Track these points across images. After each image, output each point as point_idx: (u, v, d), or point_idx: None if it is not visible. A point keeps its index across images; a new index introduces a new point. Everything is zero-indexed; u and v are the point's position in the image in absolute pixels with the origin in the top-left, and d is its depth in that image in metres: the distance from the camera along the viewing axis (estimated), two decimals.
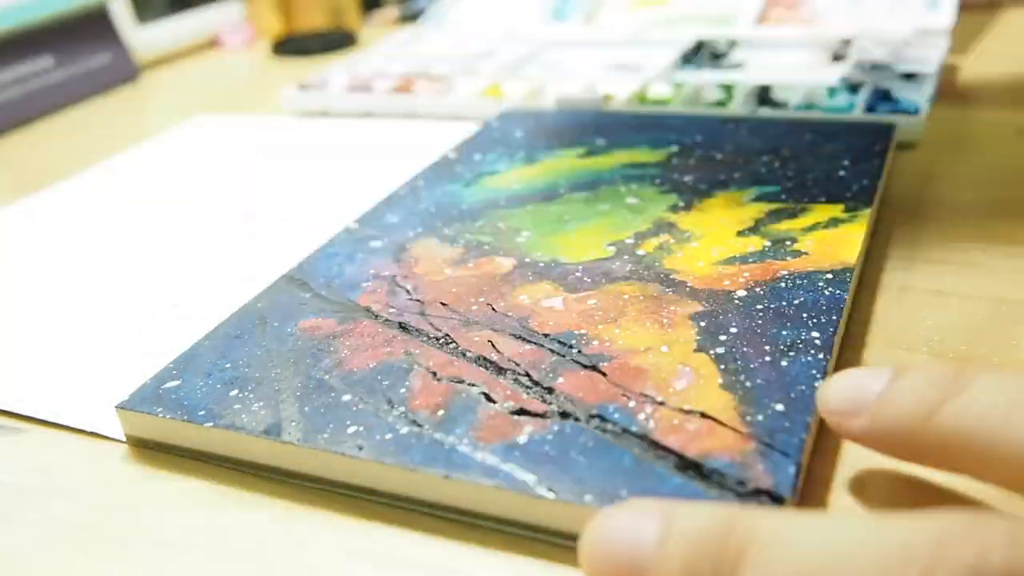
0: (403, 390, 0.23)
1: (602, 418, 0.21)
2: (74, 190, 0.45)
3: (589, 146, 0.39)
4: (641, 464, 0.20)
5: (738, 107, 0.43)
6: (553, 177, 0.36)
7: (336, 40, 0.71)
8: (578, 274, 0.28)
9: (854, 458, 0.21)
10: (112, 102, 0.63)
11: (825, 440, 0.22)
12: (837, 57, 0.50)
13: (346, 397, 0.23)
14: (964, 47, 0.54)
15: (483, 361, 0.24)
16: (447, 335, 0.25)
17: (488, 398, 0.22)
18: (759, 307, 0.25)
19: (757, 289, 0.26)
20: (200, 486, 0.23)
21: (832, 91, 0.44)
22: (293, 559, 0.20)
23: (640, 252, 0.29)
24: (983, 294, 0.27)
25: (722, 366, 0.23)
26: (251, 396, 0.24)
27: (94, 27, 0.65)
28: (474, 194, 0.35)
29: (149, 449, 0.24)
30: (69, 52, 0.63)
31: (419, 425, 0.22)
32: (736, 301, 0.25)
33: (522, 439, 0.21)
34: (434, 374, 0.24)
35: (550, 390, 0.23)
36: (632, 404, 0.22)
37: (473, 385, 0.23)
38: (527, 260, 0.29)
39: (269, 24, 0.76)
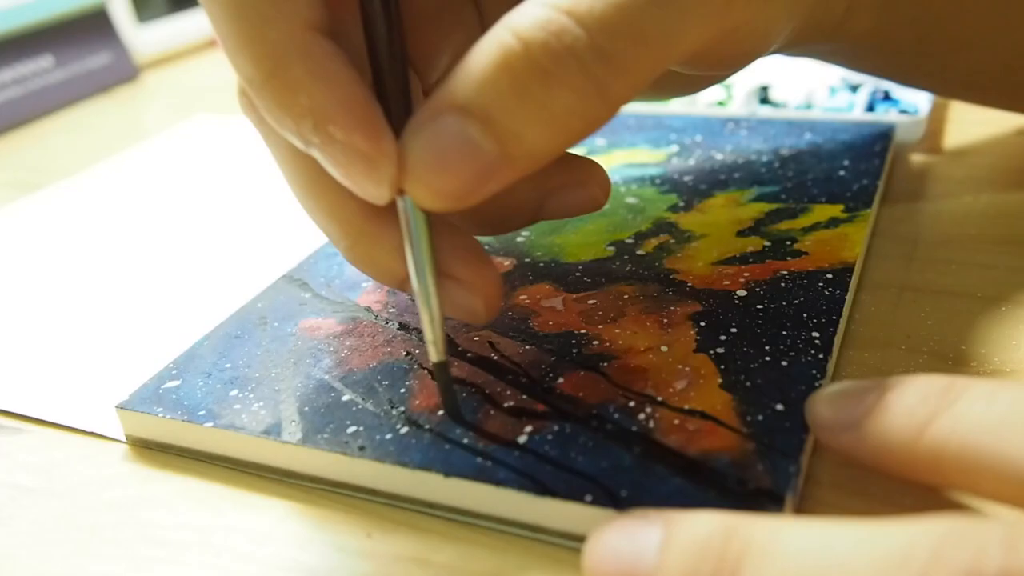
0: (403, 390, 0.23)
1: (602, 418, 0.21)
2: (74, 190, 0.45)
3: (589, 146, 0.39)
4: (641, 464, 0.20)
5: (738, 107, 0.43)
6: None
7: None
8: (578, 274, 0.28)
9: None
10: (112, 102, 0.63)
11: None
12: None
13: (346, 397, 0.23)
14: None
15: (483, 361, 0.24)
16: (447, 335, 0.25)
17: (488, 398, 0.22)
18: (759, 307, 0.25)
19: (757, 289, 0.26)
20: (200, 486, 0.23)
21: (832, 91, 0.44)
22: (293, 559, 0.20)
23: (640, 252, 0.29)
24: (983, 294, 0.27)
25: (722, 366, 0.23)
26: (251, 396, 0.24)
27: (94, 27, 0.65)
28: None
29: (149, 449, 0.24)
30: (69, 52, 0.63)
31: (419, 425, 0.22)
32: (736, 301, 0.25)
33: (522, 439, 0.21)
34: (434, 374, 0.24)
35: (550, 390, 0.23)
36: (632, 404, 0.22)
37: (473, 385, 0.23)
38: (527, 260, 0.29)
39: None
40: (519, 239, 0.31)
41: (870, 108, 0.41)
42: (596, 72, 0.18)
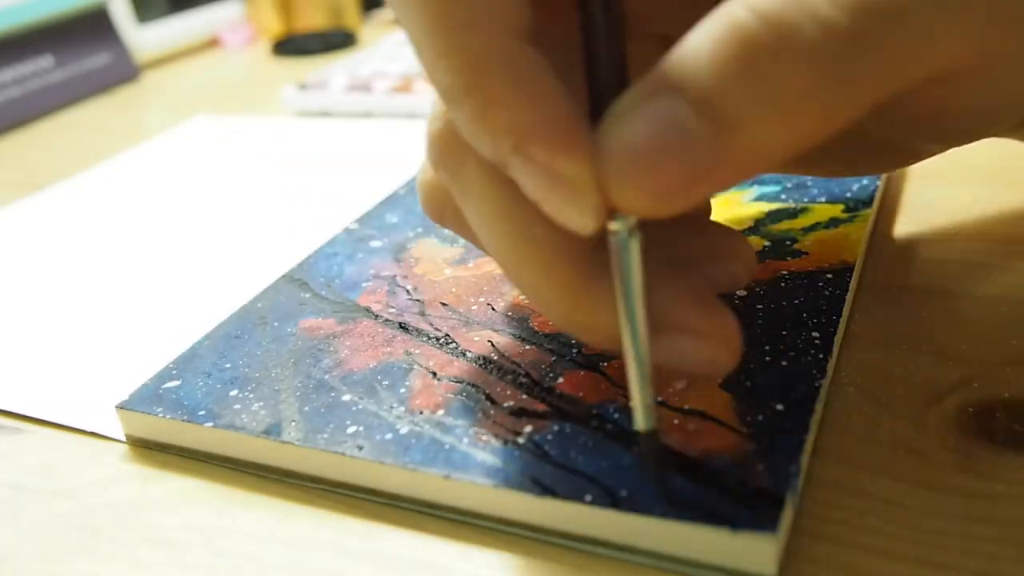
0: (403, 390, 0.23)
1: (602, 418, 0.21)
2: (74, 190, 0.45)
3: None
4: (641, 464, 0.20)
5: None
6: None
7: (336, 40, 0.71)
8: None
9: (854, 458, 0.21)
10: (112, 102, 0.63)
11: (825, 440, 0.22)
12: None
13: (346, 397, 0.23)
14: None
15: (483, 361, 0.24)
16: (447, 335, 0.25)
17: (488, 398, 0.22)
18: (759, 307, 0.25)
19: (757, 289, 0.26)
20: (200, 486, 0.23)
21: None
22: (293, 559, 0.20)
23: None
24: (983, 294, 0.27)
25: None
26: (251, 396, 0.24)
27: (94, 27, 0.65)
28: None
29: (149, 449, 0.24)
30: (69, 52, 0.63)
31: (419, 425, 0.22)
32: (736, 301, 0.25)
33: (522, 439, 0.21)
34: (434, 374, 0.24)
35: (550, 390, 0.23)
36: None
37: (473, 385, 0.23)
38: None
39: (269, 24, 0.76)
40: None
41: None
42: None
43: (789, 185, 0.33)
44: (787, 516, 0.18)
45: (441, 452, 0.21)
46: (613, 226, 0.17)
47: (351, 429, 0.22)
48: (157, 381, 0.25)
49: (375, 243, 0.32)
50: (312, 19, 0.75)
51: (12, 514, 0.23)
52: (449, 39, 0.16)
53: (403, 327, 0.26)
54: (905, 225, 0.32)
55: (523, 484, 0.19)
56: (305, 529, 0.21)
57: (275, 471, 0.23)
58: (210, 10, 0.77)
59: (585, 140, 0.16)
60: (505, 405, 0.22)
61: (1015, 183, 0.35)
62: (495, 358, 0.24)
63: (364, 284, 0.29)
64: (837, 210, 0.30)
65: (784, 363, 0.23)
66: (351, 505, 0.22)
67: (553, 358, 0.24)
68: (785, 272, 0.27)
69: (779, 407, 0.21)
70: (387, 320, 0.27)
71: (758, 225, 0.30)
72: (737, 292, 0.26)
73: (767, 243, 0.29)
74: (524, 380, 0.23)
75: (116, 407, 0.24)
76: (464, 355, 0.24)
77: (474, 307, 0.27)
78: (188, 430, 0.23)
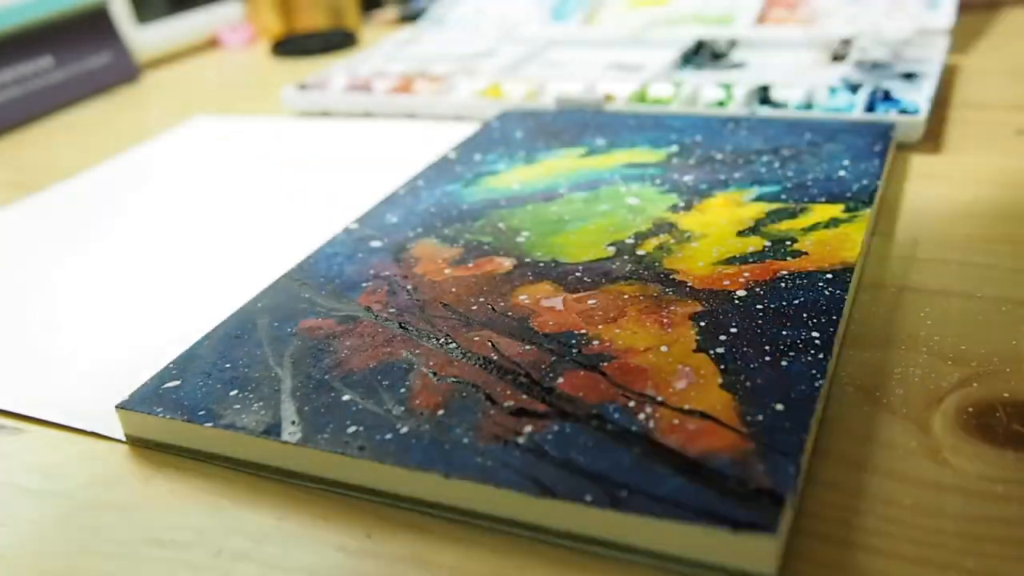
0: (403, 390, 0.23)
1: (602, 418, 0.21)
2: (74, 190, 0.45)
3: (589, 146, 0.39)
4: (641, 464, 0.20)
5: (738, 107, 0.43)
6: (553, 177, 0.36)
7: (336, 40, 0.71)
8: (578, 274, 0.28)
9: (854, 458, 0.21)
10: (112, 102, 0.63)
11: (825, 440, 0.22)
12: (837, 57, 0.50)
13: (346, 397, 0.23)
14: (964, 47, 0.54)
15: (483, 361, 0.24)
16: (447, 335, 0.25)
17: (488, 398, 0.22)
18: (759, 307, 0.25)
19: (757, 289, 0.26)
20: (200, 486, 0.23)
21: (832, 91, 0.44)
22: (293, 559, 0.20)
23: (640, 252, 0.29)
24: (983, 294, 0.27)
25: (722, 366, 0.23)
26: (251, 396, 0.24)
27: (94, 27, 0.65)
28: (474, 194, 0.35)
29: (149, 449, 0.24)
30: (69, 52, 0.63)
31: (419, 425, 0.22)
32: (736, 301, 0.25)
33: (522, 439, 0.21)
34: (434, 374, 0.24)
35: (550, 390, 0.22)
36: (632, 404, 0.22)
37: (473, 385, 0.23)
38: (527, 260, 0.29)
39: (269, 24, 0.76)
40: (519, 239, 0.31)
41: (870, 108, 0.41)
42: None
43: (789, 185, 0.33)
44: (787, 516, 0.18)
45: (441, 452, 0.21)
46: None
47: (351, 429, 0.22)
48: (157, 381, 0.25)
49: (375, 243, 0.32)
50: (312, 19, 0.75)
51: (12, 514, 0.23)
52: None
53: (403, 327, 0.26)
54: (905, 225, 0.32)
55: (523, 484, 0.19)
56: (305, 529, 0.21)
57: (275, 471, 0.23)
58: (210, 10, 0.77)
59: None
60: (505, 405, 0.22)
61: (1015, 183, 0.35)
62: (495, 358, 0.24)
63: (364, 284, 0.29)
64: (837, 210, 0.30)
65: (784, 363, 0.23)
66: (351, 505, 0.22)
67: (553, 358, 0.24)
68: (785, 272, 0.27)
69: (779, 407, 0.21)
70: (387, 320, 0.27)
71: (758, 225, 0.30)
72: (737, 292, 0.26)
73: (767, 243, 0.29)
74: (524, 380, 0.23)
75: (116, 407, 0.24)
76: (464, 355, 0.24)
77: (474, 307, 0.27)
78: (188, 430, 0.23)
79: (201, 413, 0.23)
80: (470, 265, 0.29)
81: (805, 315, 0.24)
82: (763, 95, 0.45)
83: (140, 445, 0.25)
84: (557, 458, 0.20)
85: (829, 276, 0.26)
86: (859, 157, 0.34)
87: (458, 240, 0.31)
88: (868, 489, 0.20)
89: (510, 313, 0.26)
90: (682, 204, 0.32)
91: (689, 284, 0.27)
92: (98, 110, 0.61)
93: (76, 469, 0.24)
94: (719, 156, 0.36)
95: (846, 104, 0.42)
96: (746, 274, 0.27)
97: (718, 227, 0.30)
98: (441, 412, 0.22)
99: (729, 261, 0.28)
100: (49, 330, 0.31)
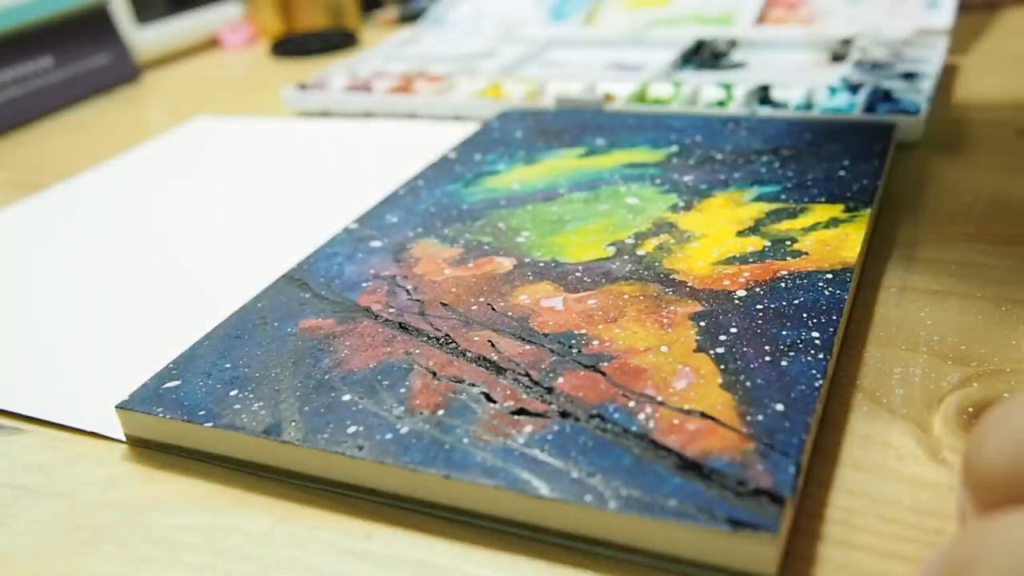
0: (403, 390, 0.23)
1: (602, 418, 0.21)
2: (74, 190, 0.45)
3: (589, 146, 0.39)
4: (641, 464, 0.20)
5: (738, 107, 0.43)
6: (553, 177, 0.36)
7: (336, 40, 0.71)
8: (578, 274, 0.28)
9: (854, 458, 0.21)
10: (112, 102, 0.63)
11: (825, 440, 0.22)
12: (837, 57, 0.50)
13: (346, 397, 0.23)
14: (964, 47, 0.54)
15: (483, 361, 0.24)
16: (447, 335, 0.25)
17: (488, 398, 0.22)
18: (759, 307, 0.25)
19: (757, 289, 0.26)
20: (200, 486, 0.23)
21: (832, 91, 0.44)
22: (293, 559, 0.20)
23: (640, 252, 0.29)
24: (983, 294, 0.27)
25: (722, 366, 0.23)
26: (251, 396, 0.24)
27: (94, 27, 0.65)
28: (474, 194, 0.35)
29: (149, 449, 0.24)
30: (69, 52, 0.63)
31: (419, 425, 0.22)
32: (736, 301, 0.25)
33: (522, 439, 0.21)
34: (434, 374, 0.24)
35: (550, 390, 0.23)
36: (632, 404, 0.22)
37: (473, 385, 0.23)
38: (527, 260, 0.29)
39: (269, 24, 0.76)
40: (519, 239, 0.31)
41: (870, 108, 0.41)
42: None
43: (789, 185, 0.33)
44: (787, 516, 0.18)
45: (441, 452, 0.21)
46: None
47: (351, 429, 0.22)
48: (157, 381, 0.25)
49: (375, 243, 0.32)
50: (312, 19, 0.75)
51: (12, 514, 0.23)
52: None
53: (403, 327, 0.26)
54: (905, 225, 0.32)
55: (523, 484, 0.19)
56: (305, 529, 0.21)
57: (275, 471, 0.23)
58: (210, 10, 0.77)
59: None
60: (505, 405, 0.22)
61: (1015, 183, 0.35)
62: (495, 358, 0.24)
63: (364, 284, 0.29)
64: (837, 210, 0.30)
65: (784, 363, 0.23)
66: (351, 505, 0.22)
67: (553, 358, 0.24)
68: (785, 272, 0.27)
69: (779, 407, 0.21)
70: (387, 320, 0.27)
71: (758, 225, 0.30)
72: (737, 292, 0.26)
73: (767, 243, 0.29)
74: (524, 380, 0.23)
75: (116, 407, 0.24)
76: (464, 355, 0.24)
77: (474, 307, 0.27)
78: (188, 430, 0.23)
79: (201, 413, 0.23)
80: (470, 265, 0.29)
81: (805, 315, 0.24)
82: (763, 95, 0.45)
83: (140, 445, 0.25)
84: (557, 458, 0.20)
85: (829, 276, 0.26)
86: (859, 157, 0.34)
87: (458, 240, 0.31)
88: (868, 489, 0.20)
89: (510, 313, 0.26)
90: (682, 204, 0.32)
91: (689, 284, 0.27)
92: (98, 110, 0.61)
93: (76, 469, 0.24)
94: (719, 156, 0.36)
95: (846, 104, 0.42)
96: (746, 274, 0.27)
97: (718, 227, 0.30)
98: (441, 412, 0.22)
99: (729, 261, 0.28)
100: (49, 330, 0.31)
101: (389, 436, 0.21)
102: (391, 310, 0.27)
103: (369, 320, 0.27)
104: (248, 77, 0.67)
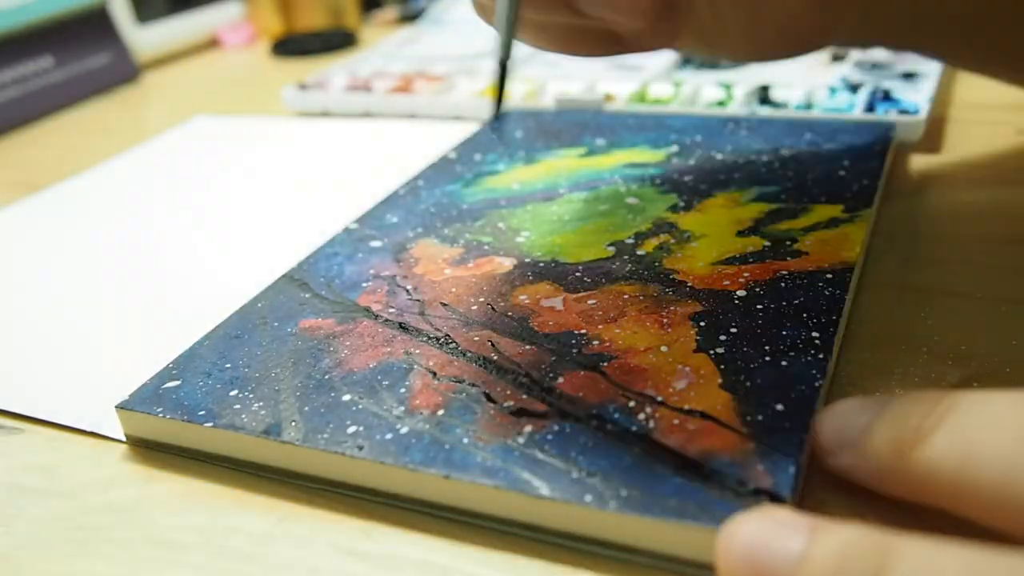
0: (403, 390, 0.23)
1: (602, 418, 0.21)
2: (74, 190, 0.45)
3: (589, 146, 0.39)
4: (641, 464, 0.20)
5: (738, 107, 0.43)
6: (553, 177, 0.36)
7: (336, 40, 0.71)
8: (578, 274, 0.28)
9: None
10: (112, 102, 0.63)
11: None
12: (837, 57, 0.50)
13: (346, 397, 0.23)
14: None
15: (483, 361, 0.24)
16: (447, 335, 0.25)
17: (488, 398, 0.22)
18: (759, 307, 0.25)
19: (757, 289, 0.26)
20: (200, 486, 0.23)
21: (832, 91, 0.44)
22: (293, 559, 0.20)
23: (640, 252, 0.29)
24: (983, 294, 0.27)
25: (722, 366, 0.23)
26: (251, 396, 0.24)
27: (94, 27, 0.65)
28: (474, 194, 0.35)
29: (149, 449, 0.24)
30: (69, 52, 0.63)
31: (419, 425, 0.22)
32: (736, 301, 0.25)
33: (522, 439, 0.21)
34: (434, 374, 0.24)
35: (550, 390, 0.23)
36: (632, 404, 0.22)
37: (473, 385, 0.23)
38: (527, 260, 0.29)
39: (269, 24, 0.76)
40: (519, 239, 0.31)
41: (870, 108, 0.41)
42: None
43: (789, 185, 0.33)
44: None
45: (441, 452, 0.21)
46: None
47: (351, 429, 0.22)
48: (157, 381, 0.25)
49: (375, 243, 0.32)
50: (312, 19, 0.75)
51: (12, 514, 0.23)
52: None
53: (403, 327, 0.26)
54: (905, 225, 0.32)
55: (523, 484, 0.20)
56: (305, 529, 0.21)
57: (275, 471, 0.23)
58: (210, 10, 0.77)
59: None
60: (505, 405, 0.22)
61: (1015, 183, 0.35)
62: (495, 358, 0.24)
63: (364, 284, 0.29)
64: (837, 210, 0.30)
65: (784, 363, 0.23)
66: (351, 505, 0.22)
67: (553, 358, 0.24)
68: (785, 272, 0.27)
69: (779, 407, 0.21)
70: (387, 320, 0.27)
71: (758, 225, 0.30)
72: (737, 292, 0.26)
73: (767, 243, 0.29)
74: (524, 380, 0.23)
75: (116, 407, 0.24)
76: (464, 355, 0.24)
77: (474, 307, 0.27)
78: (188, 430, 0.23)
79: (201, 413, 0.23)
80: (470, 265, 0.29)
81: (805, 315, 0.24)
82: (763, 95, 0.45)
83: (140, 445, 0.25)
84: (557, 458, 0.20)
85: (829, 276, 0.26)
86: (859, 157, 0.34)
87: (458, 240, 0.31)
88: (868, 489, 0.20)
89: (510, 313, 0.26)
90: (682, 204, 0.32)
91: (689, 284, 0.27)
92: (98, 110, 0.61)
93: (76, 469, 0.24)
94: (719, 156, 0.36)
95: (846, 104, 0.42)
96: (746, 274, 0.27)
97: (718, 227, 0.30)
98: (441, 412, 0.22)
99: (729, 261, 0.28)
100: (49, 330, 0.31)
101: (389, 436, 0.22)
102: (391, 310, 0.27)
103: (369, 320, 0.27)
104: (248, 77, 0.67)
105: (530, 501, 0.19)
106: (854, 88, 0.44)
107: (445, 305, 0.27)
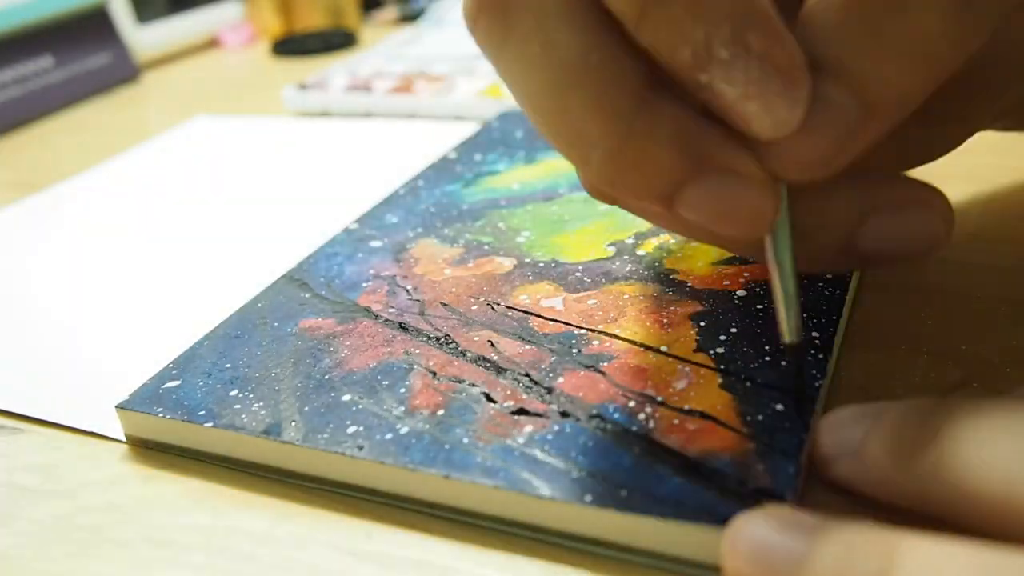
0: (403, 390, 0.23)
1: (602, 418, 0.21)
2: (74, 190, 0.45)
3: None
4: (641, 464, 0.20)
5: None
6: (553, 177, 0.36)
7: (336, 40, 0.71)
8: (578, 274, 0.28)
9: None
10: (112, 102, 0.63)
11: None
12: None
13: (346, 397, 0.23)
14: None
15: (483, 361, 0.24)
16: (447, 335, 0.25)
17: (488, 398, 0.22)
18: (759, 307, 0.25)
19: (757, 289, 0.26)
20: (200, 486, 0.23)
21: None
22: (293, 559, 0.20)
23: (640, 252, 0.29)
24: (983, 294, 0.27)
25: (722, 366, 0.23)
26: (251, 396, 0.24)
27: (94, 27, 0.65)
28: (474, 194, 0.35)
29: (149, 449, 0.24)
30: (69, 52, 0.63)
31: (419, 425, 0.22)
32: (736, 301, 0.25)
33: (522, 439, 0.21)
34: (434, 374, 0.24)
35: (550, 390, 0.23)
36: (632, 404, 0.22)
37: (473, 385, 0.23)
38: (527, 260, 0.29)
39: (269, 24, 0.76)
40: (519, 239, 0.31)
41: None
42: None
43: None
44: None
45: (441, 452, 0.21)
46: None
47: (351, 429, 0.22)
48: (157, 381, 0.25)
49: (375, 243, 0.32)
50: (312, 19, 0.75)
51: (12, 514, 0.23)
52: None
53: (403, 327, 0.26)
54: None
55: (523, 484, 0.20)
56: (304, 529, 0.21)
57: (275, 471, 0.23)
58: (210, 10, 0.77)
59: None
60: (505, 405, 0.22)
61: (1015, 183, 0.35)
62: (495, 358, 0.24)
63: (364, 284, 0.29)
64: None
65: (784, 363, 0.22)
66: (351, 505, 0.22)
67: (553, 358, 0.24)
68: None
69: (779, 407, 0.21)
70: (387, 320, 0.27)
71: None
72: (737, 292, 0.26)
73: None
74: (524, 380, 0.23)
75: (116, 407, 0.24)
76: (464, 355, 0.24)
77: (474, 307, 0.27)
78: (188, 430, 0.23)
79: (201, 413, 0.23)
80: (470, 265, 0.29)
81: (805, 315, 0.24)
82: None
83: (140, 445, 0.25)
84: (557, 458, 0.20)
85: (829, 276, 0.26)
86: None
87: (458, 240, 0.31)
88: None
89: (510, 313, 0.26)
90: None
91: (689, 284, 0.27)
92: (98, 110, 0.61)
93: (76, 469, 0.24)
94: None
95: None
96: (746, 274, 0.27)
97: None
98: (441, 412, 0.22)
99: (729, 261, 0.28)
100: (49, 330, 0.31)
101: (389, 436, 0.22)
102: (391, 310, 0.27)
103: (369, 320, 0.27)
104: (248, 77, 0.67)
105: (530, 501, 0.19)
106: None
107: (445, 305, 0.27)
